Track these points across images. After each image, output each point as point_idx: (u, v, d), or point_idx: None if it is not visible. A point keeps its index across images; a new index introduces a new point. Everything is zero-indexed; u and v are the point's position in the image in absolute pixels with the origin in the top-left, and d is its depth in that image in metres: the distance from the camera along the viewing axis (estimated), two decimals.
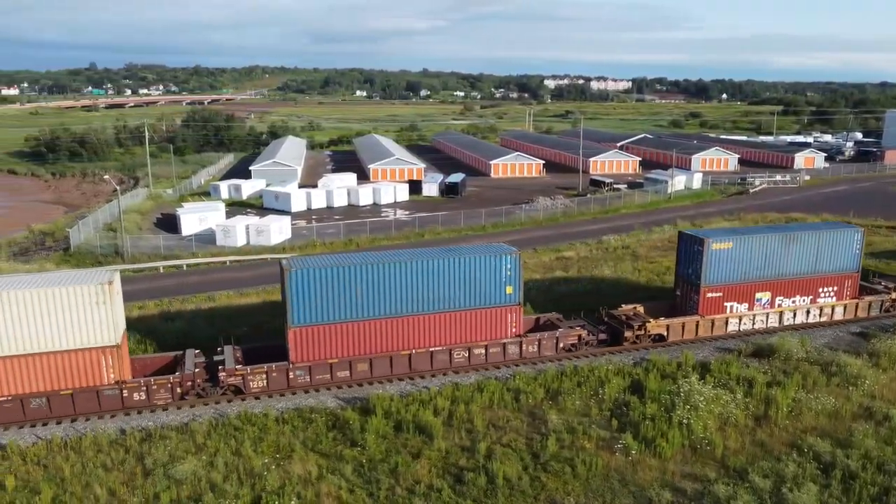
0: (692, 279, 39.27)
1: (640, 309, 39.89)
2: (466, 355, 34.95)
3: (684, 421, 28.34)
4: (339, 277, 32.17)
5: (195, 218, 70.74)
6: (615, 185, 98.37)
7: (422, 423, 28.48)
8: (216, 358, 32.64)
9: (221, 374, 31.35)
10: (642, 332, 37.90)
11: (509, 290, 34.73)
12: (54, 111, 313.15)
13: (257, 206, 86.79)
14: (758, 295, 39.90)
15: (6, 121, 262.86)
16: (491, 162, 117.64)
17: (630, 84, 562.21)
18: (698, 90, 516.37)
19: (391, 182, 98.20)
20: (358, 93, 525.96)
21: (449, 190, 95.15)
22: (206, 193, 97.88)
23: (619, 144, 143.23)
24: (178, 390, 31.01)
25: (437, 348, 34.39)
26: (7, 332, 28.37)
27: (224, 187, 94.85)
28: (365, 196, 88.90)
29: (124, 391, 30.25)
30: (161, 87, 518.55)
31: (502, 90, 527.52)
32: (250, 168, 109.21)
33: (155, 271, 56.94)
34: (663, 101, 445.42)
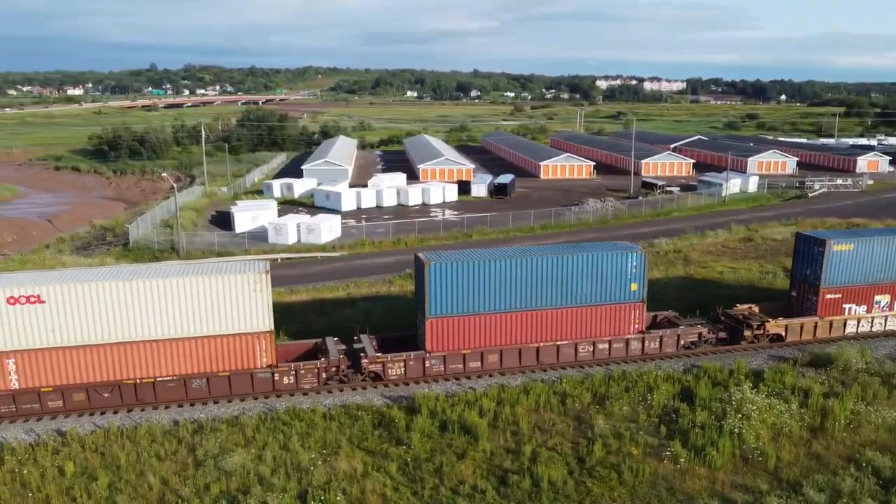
0: (811, 280, 38.99)
1: (755, 309, 39.88)
2: (591, 350, 35.76)
3: (735, 430, 27.65)
4: (475, 271, 33.34)
5: (248, 216, 72.20)
6: (667, 188, 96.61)
7: (467, 424, 28.48)
8: (355, 346, 34.11)
9: (364, 361, 32.85)
10: (761, 331, 37.92)
11: (634, 286, 35.49)
12: (116, 110, 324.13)
13: (308, 204, 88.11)
14: (877, 297, 39.33)
15: (72, 120, 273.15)
16: (540, 163, 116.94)
17: (684, 85, 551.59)
18: (756, 91, 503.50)
19: (440, 182, 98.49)
20: (409, 93, 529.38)
21: (498, 191, 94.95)
22: (259, 192, 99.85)
23: (672, 146, 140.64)
24: (324, 375, 32.49)
25: (563, 342, 35.27)
26: (172, 317, 30.28)
27: (277, 186, 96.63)
28: (414, 196, 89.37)
29: (276, 375, 31.84)
30: (218, 88, 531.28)
31: (553, 91, 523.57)
32: (302, 167, 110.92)
33: None
34: (719, 103, 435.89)
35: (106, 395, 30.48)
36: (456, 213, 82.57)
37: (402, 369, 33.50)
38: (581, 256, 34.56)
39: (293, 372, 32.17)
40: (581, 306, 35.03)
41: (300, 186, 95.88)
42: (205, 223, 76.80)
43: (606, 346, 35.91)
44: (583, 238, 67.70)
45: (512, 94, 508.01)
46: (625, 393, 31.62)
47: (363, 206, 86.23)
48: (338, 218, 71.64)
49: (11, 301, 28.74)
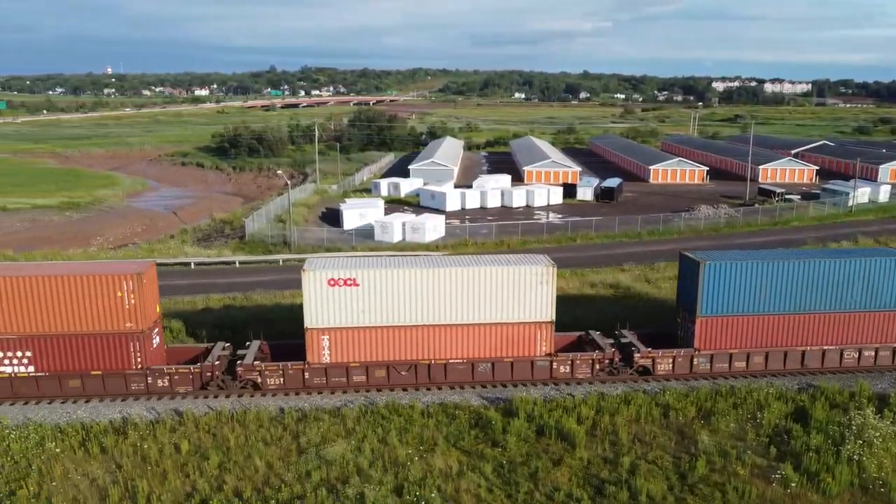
0: None
1: None
2: (856, 356, 35.45)
3: (855, 457, 25.83)
4: (749, 272, 33.86)
5: (356, 213, 74.24)
6: (787, 196, 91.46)
7: (564, 430, 28.11)
8: (622, 341, 35.28)
9: (636, 356, 34.09)
10: None
11: None
12: (238, 110, 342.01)
13: (414, 203, 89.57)
14: None
15: (197, 119, 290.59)
16: (650, 167, 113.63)
17: (809, 86, 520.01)
18: (891, 93, 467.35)
19: (545, 185, 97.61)
20: (516, 95, 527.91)
21: (604, 194, 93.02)
22: (367, 190, 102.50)
23: (793, 152, 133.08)
24: (597, 367, 33.81)
25: (829, 347, 35.24)
26: (467, 304, 32.50)
27: (384, 185, 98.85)
28: (518, 198, 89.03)
29: (553, 363, 33.47)
30: (331, 89, 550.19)
31: (665, 93, 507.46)
32: (409, 167, 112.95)
33: None
34: (848, 106, 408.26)
35: (403, 373, 32.97)
36: (560, 216, 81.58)
37: (671, 365, 34.31)
38: (853, 261, 34.20)
39: (569, 362, 33.55)
40: (850, 312, 34.69)
41: (406, 186, 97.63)
42: (315, 219, 79.63)
43: (872, 353, 35.36)
44: (692, 246, 65.19)
45: (622, 96, 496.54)
46: (732, 409, 30.26)
47: (467, 206, 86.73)
48: (442, 218, 72.40)
49: (331, 283, 31.63)
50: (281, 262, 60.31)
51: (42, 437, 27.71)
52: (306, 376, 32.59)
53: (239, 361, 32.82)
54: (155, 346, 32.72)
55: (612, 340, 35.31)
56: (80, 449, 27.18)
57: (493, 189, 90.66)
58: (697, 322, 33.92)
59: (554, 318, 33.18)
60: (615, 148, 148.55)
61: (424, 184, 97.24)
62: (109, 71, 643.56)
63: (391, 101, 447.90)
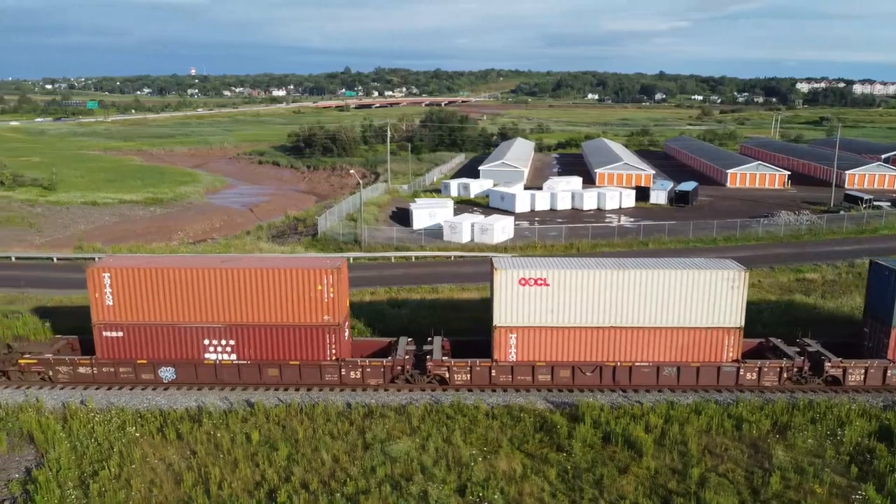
0: None
1: None
2: None
3: None
4: None
5: (426, 213, 74.76)
6: (875, 202, 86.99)
7: (631, 438, 27.59)
8: (808, 350, 34.79)
9: (827, 365, 33.54)
10: None
11: None
12: (313, 110, 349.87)
13: (483, 204, 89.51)
14: None
15: (274, 118, 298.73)
16: (727, 171, 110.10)
17: None
18: None
19: (617, 188, 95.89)
20: (589, 96, 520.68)
21: (679, 198, 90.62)
22: (437, 190, 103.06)
23: (883, 156, 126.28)
24: (784, 375, 33.58)
25: None
26: (654, 307, 32.60)
27: (454, 185, 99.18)
28: (589, 200, 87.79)
29: (740, 370, 33.39)
30: (404, 90, 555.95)
31: (746, 94, 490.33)
32: (479, 168, 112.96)
33: (387, 260, 61.21)
34: None
35: (588, 374, 33.32)
36: (632, 220, 80.00)
37: (862, 376, 33.51)
38: None
39: (757, 369, 33.18)
40: None
41: (476, 187, 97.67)
42: (385, 218, 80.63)
43: None
44: (771, 253, 62.91)
45: (700, 98, 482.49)
46: (810, 424, 29.03)
47: (537, 208, 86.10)
48: (511, 219, 72.09)
49: (522, 282, 32.36)
50: (351, 260, 61.35)
51: (124, 422, 29.11)
52: (493, 374, 33.00)
53: (428, 357, 33.34)
54: (346, 338, 33.81)
55: (796, 349, 34.39)
56: (158, 434, 28.39)
57: (563, 191, 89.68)
58: (893, 332, 32.83)
59: (743, 324, 32.46)
60: (691, 150, 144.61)
61: (494, 185, 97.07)
62: (193, 72, 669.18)
63: (463, 101, 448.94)
